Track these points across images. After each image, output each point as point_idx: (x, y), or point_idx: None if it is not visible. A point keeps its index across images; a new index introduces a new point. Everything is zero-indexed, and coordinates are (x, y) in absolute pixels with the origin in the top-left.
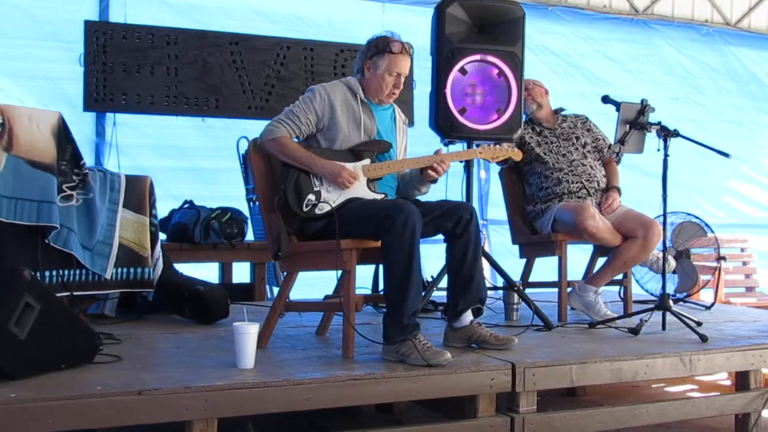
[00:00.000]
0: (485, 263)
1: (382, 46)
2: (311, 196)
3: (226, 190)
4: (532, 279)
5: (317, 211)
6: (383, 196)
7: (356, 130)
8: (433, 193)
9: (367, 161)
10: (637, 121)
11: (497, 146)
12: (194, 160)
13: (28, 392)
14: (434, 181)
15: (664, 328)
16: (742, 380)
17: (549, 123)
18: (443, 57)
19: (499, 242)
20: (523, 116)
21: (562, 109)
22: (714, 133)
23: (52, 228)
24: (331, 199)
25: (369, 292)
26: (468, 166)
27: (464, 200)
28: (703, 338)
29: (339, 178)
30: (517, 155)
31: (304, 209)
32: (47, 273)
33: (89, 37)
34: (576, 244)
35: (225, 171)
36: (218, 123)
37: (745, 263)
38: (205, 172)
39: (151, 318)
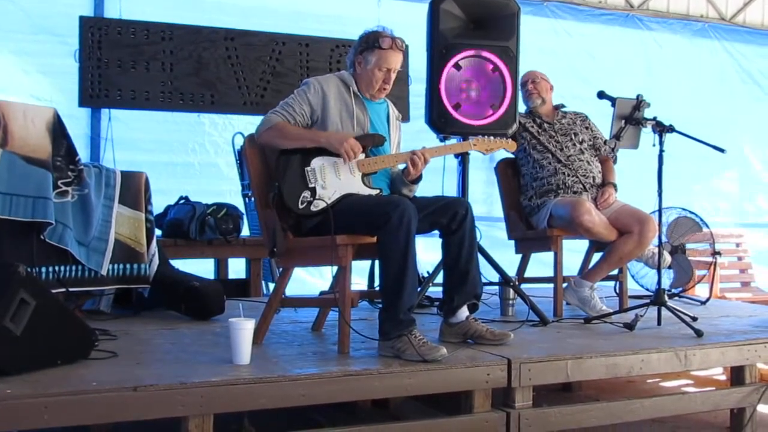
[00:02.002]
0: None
1: (372, 42)
2: (306, 193)
3: (221, 185)
4: (527, 274)
5: (313, 208)
6: (378, 191)
7: (349, 122)
8: (429, 189)
9: (361, 156)
10: (632, 117)
11: (491, 138)
12: (189, 156)
13: (23, 388)
14: (415, 181)
15: (659, 323)
16: (737, 375)
17: (549, 118)
18: (437, 53)
19: None
20: (525, 108)
21: (562, 106)
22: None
23: (48, 224)
24: (326, 195)
25: (365, 287)
26: (464, 162)
27: (460, 196)
28: (699, 333)
29: (345, 144)
30: (511, 146)
31: (300, 206)
32: (43, 269)
33: (84, 33)
34: (572, 239)
35: (220, 166)
36: (212, 118)
37: (740, 258)
38: (200, 167)
39: (147, 314)
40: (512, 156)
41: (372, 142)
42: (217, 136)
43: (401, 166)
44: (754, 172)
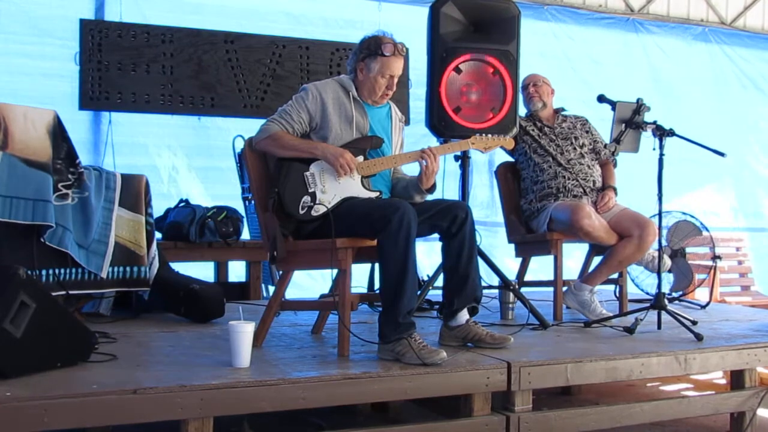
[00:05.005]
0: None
1: (374, 48)
2: (306, 198)
3: (221, 188)
4: (527, 278)
5: (313, 213)
6: (378, 194)
7: (348, 128)
8: None
9: (360, 158)
10: (632, 120)
11: (489, 136)
12: (189, 159)
13: (23, 391)
14: (430, 190)
15: (659, 327)
16: (737, 379)
17: (549, 121)
18: (438, 56)
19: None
20: (525, 111)
21: (562, 109)
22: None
23: (48, 226)
24: (326, 200)
25: (364, 290)
26: (464, 165)
27: (460, 199)
28: (699, 337)
29: (341, 159)
30: (509, 144)
31: (300, 212)
32: (43, 271)
33: (84, 36)
34: (571, 242)
35: (220, 170)
36: (212, 122)
37: (740, 262)
38: (200, 170)
39: (147, 317)
40: (512, 159)
41: (370, 145)
42: (219, 139)
43: (403, 169)
44: (755, 176)
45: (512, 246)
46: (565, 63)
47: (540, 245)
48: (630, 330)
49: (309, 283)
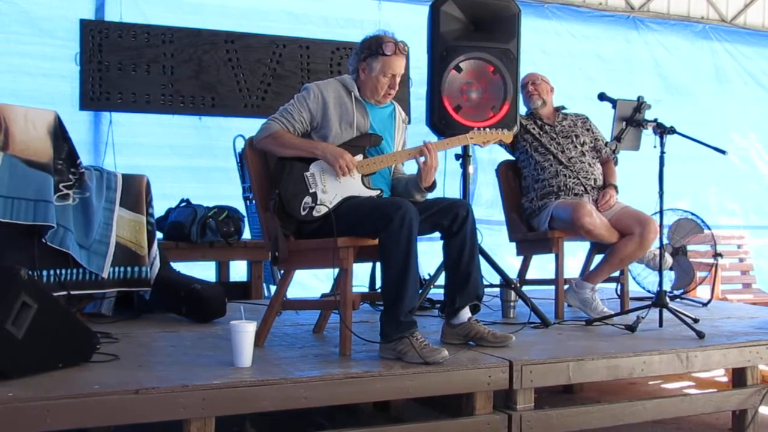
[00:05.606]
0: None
1: (375, 48)
2: (307, 199)
3: (222, 189)
4: (529, 276)
5: (315, 214)
6: (379, 192)
7: (348, 128)
8: None
9: (359, 157)
10: (633, 118)
11: (487, 130)
12: (190, 159)
13: (25, 391)
14: (430, 189)
15: (660, 324)
16: (738, 377)
17: (549, 120)
18: (438, 55)
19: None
20: (525, 110)
21: (563, 107)
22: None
23: (49, 227)
24: (327, 200)
25: (366, 289)
26: (465, 163)
27: (461, 197)
28: (700, 335)
29: (340, 160)
30: (507, 138)
31: (302, 213)
32: (44, 272)
33: (85, 36)
34: (573, 241)
35: (221, 170)
36: (213, 122)
37: (741, 260)
38: (201, 170)
39: (148, 317)
40: (513, 157)
41: (369, 143)
42: (219, 139)
43: (401, 167)
44: (756, 173)
45: (514, 244)
46: (568, 60)
47: (541, 243)
48: (631, 328)
49: (312, 283)
